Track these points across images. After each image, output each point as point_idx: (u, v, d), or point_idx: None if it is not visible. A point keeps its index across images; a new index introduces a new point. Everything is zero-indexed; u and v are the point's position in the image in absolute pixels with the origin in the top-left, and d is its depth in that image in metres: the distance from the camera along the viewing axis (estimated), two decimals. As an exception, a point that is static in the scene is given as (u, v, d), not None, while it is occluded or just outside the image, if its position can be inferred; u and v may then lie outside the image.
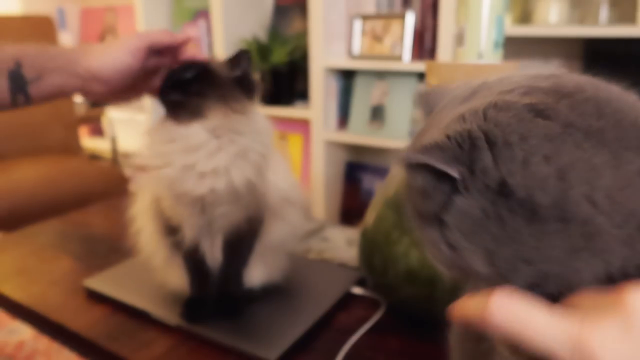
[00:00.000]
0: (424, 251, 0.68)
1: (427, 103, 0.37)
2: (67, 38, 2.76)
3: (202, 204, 0.68)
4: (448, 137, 0.29)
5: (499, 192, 0.28)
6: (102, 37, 2.84)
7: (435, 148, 0.29)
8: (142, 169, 0.69)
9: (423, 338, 0.69)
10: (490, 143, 0.29)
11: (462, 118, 0.30)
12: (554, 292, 0.29)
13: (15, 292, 0.84)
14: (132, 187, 0.78)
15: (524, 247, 0.29)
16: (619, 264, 0.28)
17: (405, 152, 0.31)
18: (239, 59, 0.68)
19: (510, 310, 0.27)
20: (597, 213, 0.27)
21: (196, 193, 0.66)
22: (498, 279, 0.30)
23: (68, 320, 0.75)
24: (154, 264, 0.77)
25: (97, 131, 2.86)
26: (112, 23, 2.78)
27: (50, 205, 1.70)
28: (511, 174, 0.28)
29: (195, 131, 0.65)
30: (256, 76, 0.73)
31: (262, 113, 0.73)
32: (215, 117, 0.66)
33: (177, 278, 0.76)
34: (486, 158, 0.28)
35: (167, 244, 0.74)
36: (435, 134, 0.31)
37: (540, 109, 0.29)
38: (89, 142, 2.76)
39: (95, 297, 0.81)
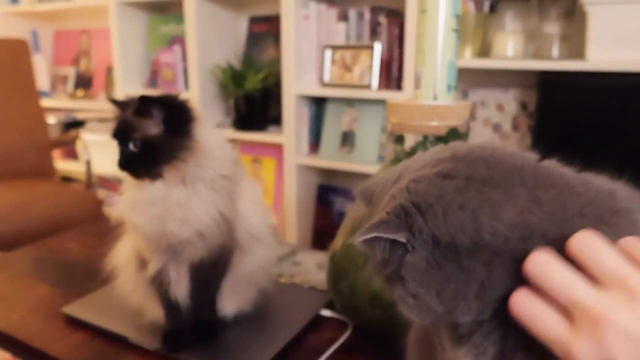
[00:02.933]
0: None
1: (364, 195, 0.46)
2: (40, 61, 2.77)
3: (169, 245, 0.72)
4: (388, 213, 0.37)
5: (433, 243, 0.36)
6: (76, 61, 2.85)
7: (382, 224, 0.37)
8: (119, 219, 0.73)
9: (386, 356, 0.74)
10: (417, 208, 0.37)
11: (394, 196, 0.39)
12: (494, 318, 0.36)
13: (-5, 319, 0.86)
14: (108, 210, 0.82)
15: (457, 285, 0.36)
16: None
17: (360, 235, 0.38)
18: (146, 107, 0.69)
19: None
20: (507, 238, 0.34)
21: (166, 239, 0.70)
22: (451, 315, 0.37)
23: (48, 346, 0.78)
24: (133, 300, 0.80)
25: (71, 154, 2.86)
26: (87, 46, 2.80)
27: (23, 229, 1.70)
28: (437, 227, 0.36)
29: (156, 189, 0.70)
30: (181, 97, 0.73)
31: (212, 130, 0.75)
32: (171, 175, 0.70)
33: (155, 311, 0.79)
34: (418, 220, 0.36)
35: (143, 281, 0.77)
36: (379, 215, 0.38)
37: (445, 173, 0.37)
38: (62, 164, 2.75)
39: (74, 323, 0.84)
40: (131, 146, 0.68)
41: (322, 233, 1.96)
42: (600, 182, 0.39)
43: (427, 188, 0.37)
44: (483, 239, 0.34)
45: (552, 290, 0.32)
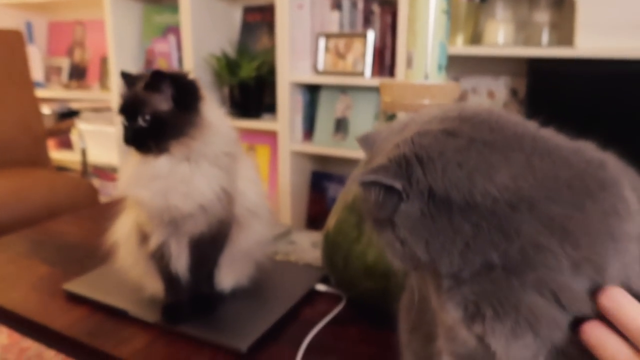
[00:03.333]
0: (380, 250, 0.77)
1: (366, 142, 0.47)
2: (34, 52, 2.77)
3: (171, 220, 0.74)
4: (389, 160, 0.39)
5: (428, 195, 0.38)
6: (70, 52, 2.85)
7: (382, 169, 0.39)
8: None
9: (379, 326, 0.77)
10: (419, 160, 0.38)
11: (397, 145, 0.40)
12: (474, 273, 0.38)
13: (-3, 296, 0.88)
14: (110, 196, 0.84)
15: (446, 239, 0.38)
16: (516, 245, 0.36)
17: (360, 176, 0.40)
18: (157, 82, 0.70)
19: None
20: (496, 200, 0.36)
21: (169, 213, 0.72)
22: (433, 263, 0.39)
23: (50, 321, 0.80)
24: (133, 274, 0.83)
25: (65, 144, 2.87)
26: (81, 37, 2.80)
27: (20, 216, 1.71)
28: (434, 181, 0.37)
29: (161, 164, 0.72)
30: (191, 74, 0.75)
31: (216, 109, 0.77)
32: (178, 150, 0.72)
33: (154, 285, 0.81)
34: (418, 172, 0.38)
35: (144, 256, 0.79)
36: (380, 160, 0.40)
37: (450, 130, 0.39)
38: (56, 154, 2.76)
39: (75, 300, 0.86)
40: (140, 121, 0.70)
41: (315, 219, 1.99)
42: (592, 153, 0.40)
43: (431, 142, 0.39)
44: (474, 199, 0.36)
45: (626, 323, 0.35)
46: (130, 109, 0.71)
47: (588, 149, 0.41)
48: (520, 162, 0.37)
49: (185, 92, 0.72)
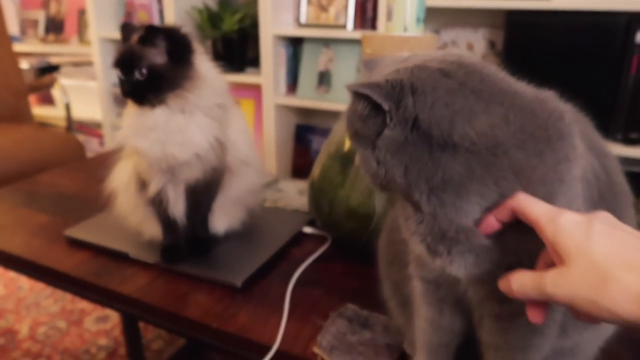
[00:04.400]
0: (362, 194, 0.83)
1: (369, 65, 0.51)
2: (8, 4, 2.69)
3: (169, 167, 0.79)
4: (386, 81, 0.43)
5: (412, 125, 0.42)
6: (45, 4, 2.78)
7: (375, 86, 0.43)
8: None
9: (361, 262, 0.84)
10: (413, 90, 0.42)
11: (397, 71, 0.44)
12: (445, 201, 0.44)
13: None
14: (112, 143, 0.88)
15: (424, 167, 0.43)
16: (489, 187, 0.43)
17: (354, 86, 0.43)
18: (152, 36, 0.74)
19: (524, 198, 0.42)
20: (474, 143, 0.42)
21: (167, 161, 0.77)
22: (408, 188, 0.44)
23: (55, 263, 0.86)
24: (132, 220, 0.88)
25: (46, 99, 2.84)
26: (56, -12, 2.72)
27: (6, 172, 1.73)
28: (421, 112, 0.42)
29: (157, 115, 0.76)
30: (184, 29, 0.78)
31: (207, 62, 0.81)
32: (174, 102, 0.76)
33: (153, 229, 0.87)
34: (408, 99, 0.42)
35: (143, 202, 0.84)
36: (377, 78, 0.44)
37: (447, 72, 0.44)
38: (38, 110, 2.73)
39: (77, 245, 0.91)
40: (137, 74, 0.73)
41: (300, 171, 2.05)
42: (554, 104, 0.46)
43: (428, 77, 0.43)
44: (452, 139, 0.42)
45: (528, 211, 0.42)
46: (126, 63, 0.74)
47: (551, 99, 0.47)
48: (499, 114, 0.43)
49: (178, 46, 0.76)
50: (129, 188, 0.85)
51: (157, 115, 0.75)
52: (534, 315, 0.42)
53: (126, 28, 0.77)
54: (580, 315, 0.39)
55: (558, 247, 0.39)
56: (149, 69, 0.73)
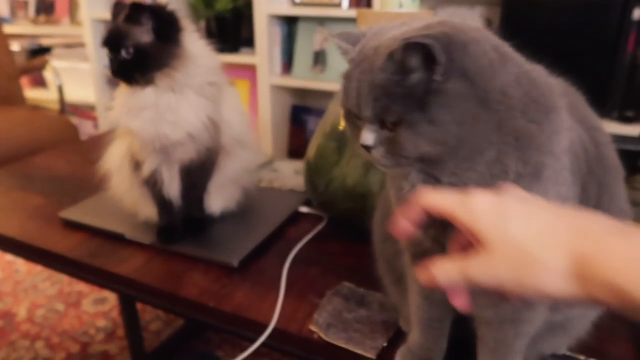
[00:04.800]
0: (357, 173, 0.83)
1: (348, 38, 0.49)
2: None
3: (162, 147, 0.78)
4: (434, 35, 0.41)
5: (465, 77, 0.41)
6: (34, -17, 2.73)
7: (432, 38, 0.40)
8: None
9: (357, 241, 0.84)
10: (459, 42, 0.41)
11: (428, 27, 0.43)
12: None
13: (-5, 225, 0.92)
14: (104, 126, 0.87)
15: (475, 124, 0.42)
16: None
17: (406, 38, 0.41)
18: (136, 14, 0.73)
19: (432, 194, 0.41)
20: (500, 101, 0.42)
21: (159, 141, 0.76)
22: (454, 150, 0.42)
23: (51, 245, 0.85)
24: (127, 200, 0.87)
25: (38, 82, 2.81)
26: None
27: (0, 155, 1.72)
28: (469, 64, 0.41)
29: (148, 94, 0.75)
30: (170, 7, 0.76)
31: (197, 40, 0.80)
32: (162, 81, 0.75)
33: (148, 210, 0.87)
34: (457, 52, 0.41)
35: (137, 183, 0.84)
36: (414, 34, 0.42)
37: (470, 27, 0.43)
38: (30, 92, 2.70)
39: (72, 226, 0.91)
40: (124, 53, 0.72)
41: (296, 152, 2.04)
42: (545, 78, 0.47)
43: (462, 32, 0.42)
44: (488, 94, 0.41)
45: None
46: (113, 41, 0.73)
47: (542, 72, 0.47)
48: (513, 74, 0.43)
49: (165, 24, 0.74)
50: (122, 168, 0.84)
51: (147, 94, 0.75)
52: (459, 302, 0.41)
53: (117, 7, 0.76)
54: (510, 296, 0.38)
55: (475, 231, 0.38)
56: (135, 47, 0.73)
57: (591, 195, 0.50)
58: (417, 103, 0.41)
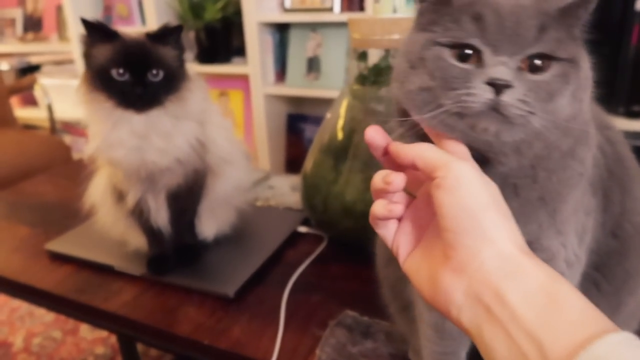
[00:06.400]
0: (357, 190, 0.78)
1: None
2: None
3: (148, 175, 0.73)
4: None
5: None
6: (22, 1, 2.69)
7: None
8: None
9: (359, 263, 0.80)
10: None
11: None
12: None
13: (-21, 261, 0.88)
14: (83, 153, 0.82)
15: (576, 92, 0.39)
16: None
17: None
18: (167, 33, 0.69)
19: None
20: None
21: (145, 169, 0.71)
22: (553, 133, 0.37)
23: (36, 281, 0.81)
24: (115, 231, 0.82)
25: (29, 101, 2.76)
26: (31, -16, 2.63)
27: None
28: None
29: (137, 121, 0.69)
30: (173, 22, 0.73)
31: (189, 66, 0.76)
32: (172, 105, 0.70)
33: (137, 240, 0.82)
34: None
35: (123, 214, 0.79)
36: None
37: None
38: (21, 112, 2.66)
39: (59, 259, 0.86)
40: (151, 76, 0.68)
41: (294, 162, 1.99)
42: None
43: None
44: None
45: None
46: (141, 61, 0.67)
47: None
48: None
49: (182, 51, 0.72)
50: (105, 201, 0.79)
51: (137, 121, 0.69)
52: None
53: (92, 28, 0.68)
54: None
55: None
56: (166, 69, 0.68)
57: (615, 200, 0.46)
58: (572, 65, 0.39)
